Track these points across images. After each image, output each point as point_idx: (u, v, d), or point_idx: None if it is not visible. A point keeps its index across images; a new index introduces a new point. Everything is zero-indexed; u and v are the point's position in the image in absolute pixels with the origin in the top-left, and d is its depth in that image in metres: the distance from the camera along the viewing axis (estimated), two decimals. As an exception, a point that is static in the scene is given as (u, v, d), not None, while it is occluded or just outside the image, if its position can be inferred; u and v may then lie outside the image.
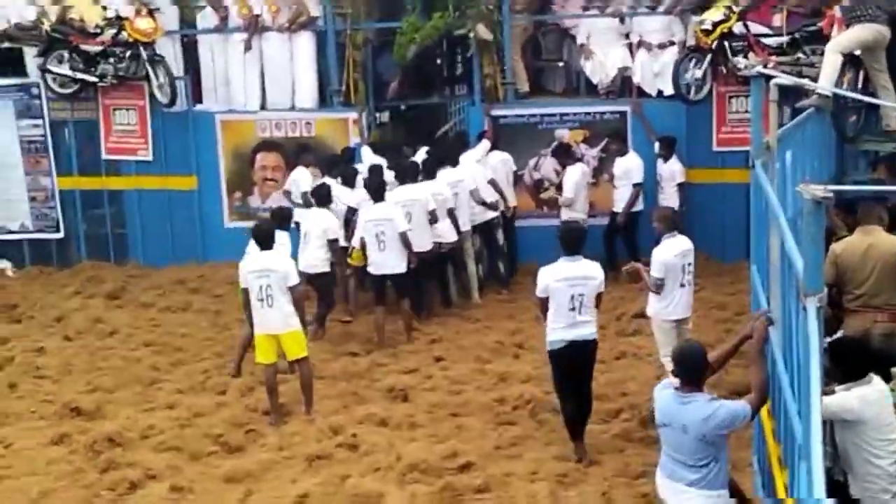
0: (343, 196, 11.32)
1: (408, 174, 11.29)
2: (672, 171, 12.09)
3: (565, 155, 12.40)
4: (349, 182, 11.54)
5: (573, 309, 7.74)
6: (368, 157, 12.16)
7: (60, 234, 14.00)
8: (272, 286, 8.67)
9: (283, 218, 10.43)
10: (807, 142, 8.27)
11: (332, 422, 8.69)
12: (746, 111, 11.73)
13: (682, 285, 8.57)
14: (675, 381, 5.79)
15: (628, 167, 12.16)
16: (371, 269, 10.76)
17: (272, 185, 13.47)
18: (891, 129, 9.48)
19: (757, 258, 7.27)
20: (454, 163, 11.73)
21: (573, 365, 7.91)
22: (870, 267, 7.28)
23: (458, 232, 11.39)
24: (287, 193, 12.28)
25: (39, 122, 13.75)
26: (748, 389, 6.00)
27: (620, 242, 12.14)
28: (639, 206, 12.20)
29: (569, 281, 7.76)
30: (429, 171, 11.40)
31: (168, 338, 11.19)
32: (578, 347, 7.83)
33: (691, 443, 5.63)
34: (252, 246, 9.26)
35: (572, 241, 7.96)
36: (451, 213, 11.30)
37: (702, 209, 12.18)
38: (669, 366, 7.69)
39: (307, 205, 11.38)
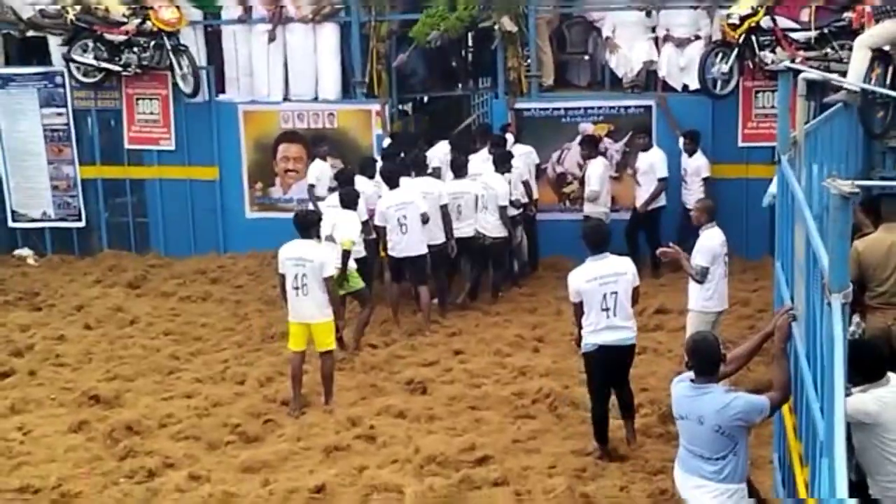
0: (366, 188, 11.27)
1: (418, 167, 11.29)
2: (697, 165, 11.99)
3: (591, 147, 12.30)
4: (367, 172, 11.51)
5: (606, 309, 7.55)
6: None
7: (82, 223, 14.06)
8: (308, 275, 8.69)
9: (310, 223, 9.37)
10: (834, 137, 8.17)
11: (351, 413, 8.67)
12: (773, 106, 11.67)
13: (724, 276, 8.58)
14: (691, 374, 5.75)
15: (652, 162, 12.08)
16: (392, 253, 10.80)
17: (294, 175, 13.48)
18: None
19: (782, 254, 7.18)
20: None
21: (607, 369, 7.76)
22: (892, 264, 7.19)
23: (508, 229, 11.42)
24: (311, 188, 12.21)
25: (63, 110, 13.81)
26: (770, 387, 5.94)
27: (643, 238, 12.06)
28: (661, 202, 12.12)
29: (599, 280, 7.60)
30: (459, 168, 11.40)
31: (188, 327, 11.22)
32: (613, 352, 7.65)
33: (707, 434, 5.59)
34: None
35: (597, 238, 7.83)
36: (503, 210, 11.29)
37: (726, 204, 12.00)
38: None
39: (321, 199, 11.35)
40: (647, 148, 12.21)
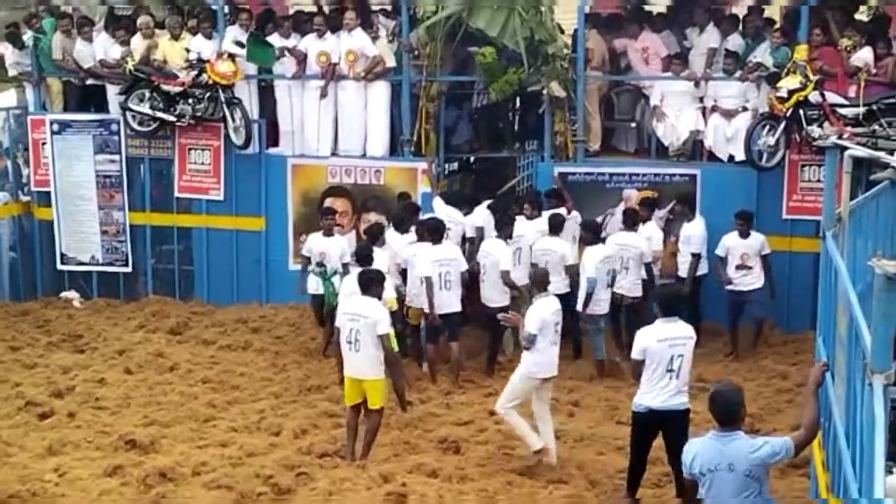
0: (397, 243, 11.46)
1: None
2: (761, 243, 11.72)
3: (649, 210, 12.21)
4: (401, 227, 11.71)
5: (671, 371, 7.57)
6: (440, 208, 12.22)
7: (128, 269, 14.25)
8: (361, 331, 8.73)
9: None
10: (880, 215, 8.13)
11: (383, 470, 8.64)
12: (818, 180, 11.62)
13: (554, 343, 8.72)
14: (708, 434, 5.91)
15: (690, 234, 11.94)
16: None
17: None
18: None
19: (824, 330, 7.14)
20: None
21: (654, 431, 7.78)
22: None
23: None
24: (305, 259, 12.00)
25: (117, 157, 14.07)
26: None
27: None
28: (703, 270, 12.01)
29: (670, 341, 7.62)
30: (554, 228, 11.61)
31: (226, 376, 11.28)
32: (665, 419, 7.65)
33: (738, 480, 5.71)
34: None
35: (671, 301, 7.90)
36: (569, 269, 11.38)
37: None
38: (505, 414, 8.35)
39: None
40: (690, 218, 12.12)
